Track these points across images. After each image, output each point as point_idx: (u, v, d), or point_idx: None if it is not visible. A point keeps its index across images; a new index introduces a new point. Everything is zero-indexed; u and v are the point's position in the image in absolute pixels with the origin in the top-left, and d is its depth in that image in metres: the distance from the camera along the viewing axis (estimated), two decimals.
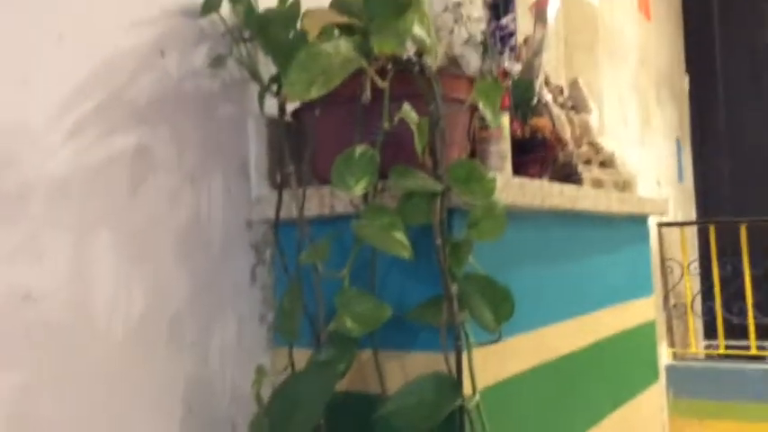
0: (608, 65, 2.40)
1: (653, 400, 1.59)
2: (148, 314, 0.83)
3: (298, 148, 0.97)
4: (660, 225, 2.77)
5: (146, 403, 0.82)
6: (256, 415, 0.84)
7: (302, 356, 0.92)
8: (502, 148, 1.07)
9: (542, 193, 1.02)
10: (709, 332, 3.07)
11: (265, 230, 1.01)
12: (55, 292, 0.74)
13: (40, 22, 0.75)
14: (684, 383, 2.59)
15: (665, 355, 2.72)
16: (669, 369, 2.65)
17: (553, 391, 1.12)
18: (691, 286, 2.83)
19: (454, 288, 0.81)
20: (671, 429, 2.61)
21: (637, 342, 1.53)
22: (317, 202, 0.93)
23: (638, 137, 2.65)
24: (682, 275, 2.83)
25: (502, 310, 0.82)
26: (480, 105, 0.83)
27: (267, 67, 1.00)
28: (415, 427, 0.78)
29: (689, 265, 2.82)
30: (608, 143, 2.32)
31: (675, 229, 2.91)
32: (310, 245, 0.87)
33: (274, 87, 0.95)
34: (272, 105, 0.98)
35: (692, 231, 3.15)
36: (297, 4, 0.92)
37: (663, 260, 2.79)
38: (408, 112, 0.80)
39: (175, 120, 0.90)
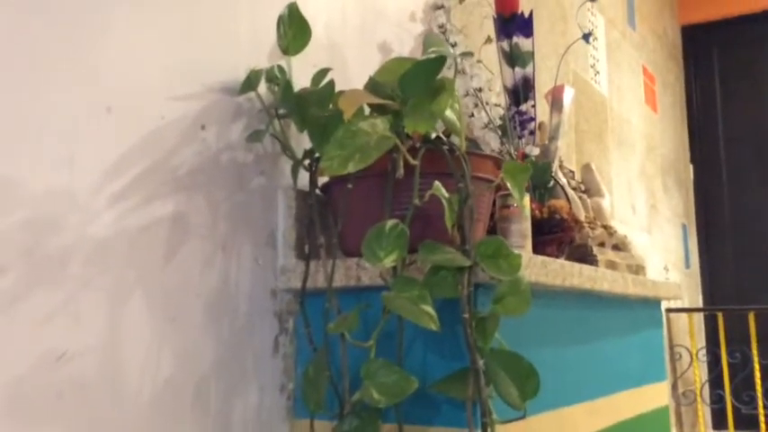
0: (617, 153, 2.47)
1: None
2: (176, 378, 0.84)
3: (325, 221, 1.00)
4: (668, 311, 2.77)
5: None
6: None
7: (321, 429, 0.92)
8: (523, 227, 1.09)
9: (563, 272, 1.04)
10: (718, 421, 3.02)
11: (289, 300, 1.03)
12: (88, 353, 0.75)
13: (92, 94, 0.79)
14: None
15: None
16: None
17: None
18: (699, 374, 2.80)
19: (481, 363, 0.82)
20: None
21: (651, 426, 1.52)
22: (344, 273, 0.95)
23: (646, 223, 2.69)
24: (690, 363, 2.80)
25: (528, 387, 0.83)
26: (509, 185, 0.87)
27: (299, 143, 1.04)
28: None
29: (697, 352, 2.80)
30: (618, 228, 2.36)
31: (683, 316, 2.91)
32: (339, 315, 0.88)
33: (307, 162, 0.99)
34: (302, 181, 1.02)
35: (698, 318, 3.14)
36: (331, 85, 0.97)
37: (671, 346, 2.77)
38: (439, 188, 0.83)
39: (211, 189, 0.93)
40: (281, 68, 1.03)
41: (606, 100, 2.40)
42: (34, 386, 0.71)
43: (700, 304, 3.29)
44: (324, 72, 1.01)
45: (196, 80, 0.93)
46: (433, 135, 0.91)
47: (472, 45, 1.53)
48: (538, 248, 1.22)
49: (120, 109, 0.82)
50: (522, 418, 0.84)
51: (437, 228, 0.88)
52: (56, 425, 0.72)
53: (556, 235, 1.25)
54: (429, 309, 0.80)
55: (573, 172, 1.85)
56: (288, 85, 0.97)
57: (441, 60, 0.82)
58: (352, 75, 1.23)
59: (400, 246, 0.83)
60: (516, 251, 0.91)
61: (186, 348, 0.86)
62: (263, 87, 1.01)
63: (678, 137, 3.30)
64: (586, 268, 1.13)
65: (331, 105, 0.94)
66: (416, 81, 0.84)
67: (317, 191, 1.00)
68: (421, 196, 0.86)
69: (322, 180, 1.01)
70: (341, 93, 0.98)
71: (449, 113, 0.88)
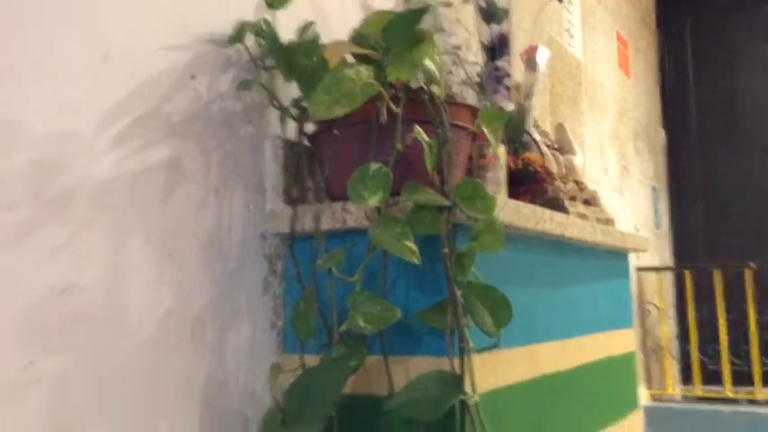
0: (590, 115, 2.54)
1: (635, 427, 1.65)
2: (174, 312, 0.90)
3: (312, 167, 1.05)
4: (639, 269, 2.87)
5: (169, 395, 0.88)
6: (270, 408, 0.90)
7: (311, 362, 0.98)
8: (498, 175, 1.15)
9: (536, 216, 1.10)
10: (686, 376, 3.15)
11: (277, 244, 1.08)
12: (92, 286, 0.81)
13: (89, 42, 0.84)
14: (662, 424, 2.65)
15: (643, 396, 2.79)
16: (647, 410, 2.71)
17: (542, 405, 1.19)
18: (667, 330, 2.92)
19: (459, 294, 0.89)
20: None
21: (618, 370, 1.61)
22: (330, 216, 1.00)
23: (617, 184, 2.78)
24: (659, 319, 2.92)
25: (501, 316, 0.90)
26: (485, 131, 0.92)
27: (285, 94, 1.09)
28: (419, 419, 0.84)
29: (665, 309, 2.92)
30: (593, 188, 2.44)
31: (653, 274, 3.01)
32: (327, 253, 0.94)
33: (294, 111, 1.04)
34: (289, 129, 1.07)
35: (669, 276, 3.26)
36: (315, 36, 1.02)
37: (641, 303, 2.88)
38: (421, 133, 0.89)
39: (203, 137, 0.98)
40: (266, 22, 1.07)
41: (581, 64, 2.46)
42: (43, 316, 0.76)
43: (670, 264, 3.40)
44: (309, 25, 1.06)
45: (186, 32, 0.97)
46: (416, 85, 0.97)
47: (452, 3, 1.58)
48: (512, 198, 1.29)
49: (115, 57, 0.87)
50: (496, 346, 0.91)
51: (418, 171, 0.94)
52: (63, 352, 0.77)
53: (529, 186, 1.32)
54: (411, 244, 0.86)
55: (546, 132, 1.92)
56: (274, 36, 1.02)
57: (420, 12, 0.87)
58: (335, 30, 1.27)
59: (384, 187, 0.89)
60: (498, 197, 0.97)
61: (183, 285, 0.92)
62: (250, 40, 1.05)
63: (651, 101, 3.38)
64: (557, 215, 1.20)
65: (317, 56, 0.99)
66: (398, 31, 0.89)
67: (305, 139, 1.05)
68: (403, 142, 0.92)
69: (309, 129, 1.06)
70: (325, 44, 1.03)
71: (429, 63, 0.94)
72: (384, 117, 0.90)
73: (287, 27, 1.08)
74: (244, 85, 1.02)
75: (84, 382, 0.78)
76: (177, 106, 0.95)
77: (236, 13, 1.06)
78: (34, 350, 0.74)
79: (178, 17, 0.96)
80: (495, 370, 1.03)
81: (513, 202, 1.04)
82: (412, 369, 0.95)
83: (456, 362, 0.89)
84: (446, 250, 0.88)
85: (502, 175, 1.17)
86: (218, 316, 0.97)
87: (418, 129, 0.89)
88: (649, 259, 3.09)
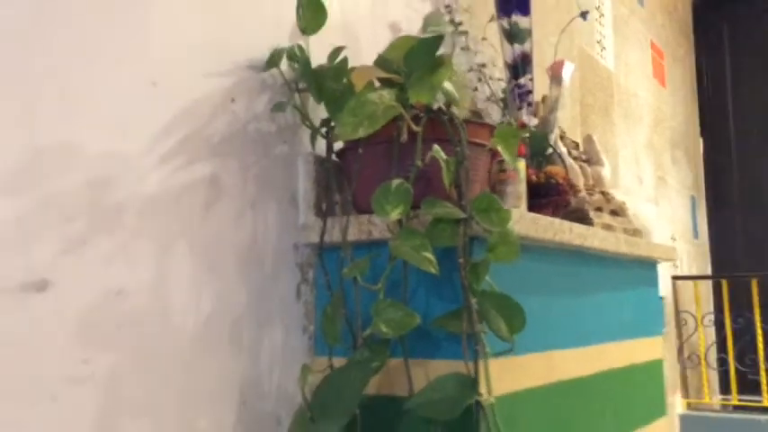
0: (623, 125, 2.56)
1: None
2: (214, 316, 0.98)
3: (341, 182, 1.13)
4: (675, 278, 2.88)
5: (209, 392, 0.96)
6: (301, 406, 0.98)
7: (339, 364, 1.06)
8: (518, 189, 1.21)
9: (553, 228, 1.16)
10: (725, 385, 3.13)
11: (309, 253, 1.16)
12: (141, 291, 0.90)
13: (140, 71, 0.93)
14: None
15: (679, 405, 2.79)
16: (683, 419, 2.71)
17: (560, 410, 1.24)
18: (704, 339, 2.91)
19: (474, 302, 0.95)
20: None
21: (644, 377, 1.64)
22: (357, 228, 1.08)
23: (653, 194, 2.79)
24: (696, 328, 2.91)
25: (515, 323, 0.96)
26: (500, 148, 0.99)
27: (316, 114, 1.17)
28: (437, 418, 0.91)
29: (703, 317, 2.91)
30: (624, 198, 2.46)
31: (691, 284, 3.01)
32: (352, 262, 1.02)
33: (323, 130, 1.12)
34: (319, 147, 1.15)
35: (706, 286, 3.24)
36: (345, 61, 1.09)
37: (677, 312, 2.88)
38: (439, 151, 0.96)
39: (241, 155, 1.06)
40: (300, 47, 1.15)
41: (612, 74, 2.49)
42: (98, 317, 0.85)
43: (709, 273, 3.39)
44: (338, 50, 1.14)
45: (227, 58, 1.06)
46: (436, 106, 1.04)
47: (477, 23, 1.65)
48: (535, 211, 1.34)
49: (163, 83, 0.96)
50: (511, 350, 0.97)
51: (437, 187, 1.01)
52: (114, 351, 0.86)
53: (552, 198, 1.37)
54: (429, 255, 0.93)
55: (576, 143, 1.96)
56: (306, 62, 1.10)
57: (439, 39, 0.94)
58: (364, 52, 1.35)
59: (405, 201, 0.96)
60: (514, 209, 1.04)
61: (222, 292, 1.00)
62: (284, 64, 1.14)
63: (688, 110, 3.38)
64: (577, 226, 1.25)
65: (345, 80, 1.06)
66: (419, 57, 0.96)
67: (333, 156, 1.13)
68: (423, 159, 0.99)
69: (337, 146, 1.14)
70: (353, 68, 1.11)
71: (448, 86, 1.00)
72: (404, 137, 0.97)
73: (320, 51, 1.16)
74: (278, 107, 1.10)
75: (131, 379, 0.87)
76: (218, 127, 1.03)
77: (272, 39, 1.14)
78: (89, 348, 0.83)
79: (219, 45, 1.05)
80: (511, 374, 1.09)
81: (530, 215, 1.10)
82: (431, 371, 1.01)
83: (472, 365, 0.95)
84: (461, 260, 0.94)
85: (522, 188, 1.23)
86: (253, 320, 1.05)
87: (436, 147, 0.96)
88: (686, 269, 3.08)
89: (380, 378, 1.04)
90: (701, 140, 3.50)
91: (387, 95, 0.94)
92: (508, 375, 1.08)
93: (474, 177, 1.07)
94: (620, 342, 1.53)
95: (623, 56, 2.61)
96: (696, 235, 3.28)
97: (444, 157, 0.96)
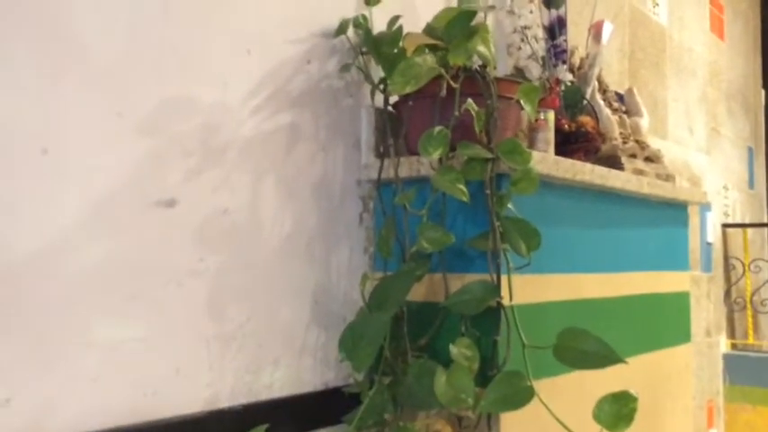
0: (675, 79, 2.68)
1: (682, 357, 1.88)
2: (294, 234, 1.26)
3: (396, 129, 1.38)
4: (725, 225, 3.00)
5: (290, 291, 1.25)
6: (362, 307, 1.25)
7: None
8: (547, 136, 1.43)
9: (574, 169, 1.38)
10: None
11: (369, 188, 1.42)
12: (240, 210, 1.18)
13: (238, 41, 1.19)
14: (739, 371, 2.81)
15: (723, 345, 2.95)
16: (726, 358, 2.88)
17: (582, 322, 1.47)
18: (750, 284, 3.04)
19: (498, 225, 1.19)
20: (726, 413, 2.83)
21: (669, 305, 1.84)
22: (408, 167, 1.33)
23: (705, 145, 2.91)
24: (743, 273, 3.04)
25: (532, 243, 1.20)
26: (522, 102, 1.21)
27: (377, 73, 1.41)
28: (464, 313, 1.16)
29: (750, 263, 3.03)
30: (670, 148, 2.61)
31: (742, 231, 3.12)
32: (402, 192, 1.27)
33: (381, 87, 1.36)
34: (378, 101, 1.39)
35: (761, 234, 3.34)
36: (399, 29, 1.33)
37: (726, 258, 3.02)
38: (471, 104, 1.19)
39: (315, 107, 1.32)
40: (364, 17, 1.39)
41: (665, 30, 2.61)
42: (210, 228, 1.14)
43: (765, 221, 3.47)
44: (395, 19, 1.37)
45: (304, 29, 1.32)
46: (475, 66, 1.26)
47: None
48: (566, 156, 1.55)
49: (255, 51, 1.22)
50: (528, 265, 1.20)
51: (472, 134, 1.24)
52: (221, 253, 1.15)
53: (581, 144, 1.58)
54: (462, 186, 1.17)
55: (621, 96, 2.13)
56: (368, 30, 1.34)
57: (472, 13, 1.16)
58: (422, 19, 1.57)
59: (444, 144, 1.20)
60: (538, 152, 1.26)
61: (300, 215, 1.28)
62: (351, 32, 1.38)
63: (749, 64, 3.42)
64: (599, 168, 1.46)
65: (399, 45, 1.30)
66: (456, 27, 1.19)
67: (390, 108, 1.37)
68: (459, 110, 1.22)
69: (393, 100, 1.38)
70: (407, 35, 1.34)
71: (482, 49, 1.23)
72: (443, 92, 1.20)
73: (382, 20, 1.39)
74: (345, 68, 1.35)
75: (234, 275, 1.16)
76: (296, 85, 1.30)
77: (341, 11, 1.39)
78: (204, 250, 1.12)
79: (298, 18, 1.30)
80: (536, 288, 1.33)
81: (553, 157, 1.32)
82: (465, 282, 1.27)
83: (495, 276, 1.20)
84: (488, 192, 1.18)
85: (550, 135, 1.44)
86: (324, 239, 1.32)
87: (470, 101, 1.19)
88: (741, 217, 3.19)
89: (424, 287, 1.30)
90: (762, 93, 3.54)
91: (429, 58, 1.17)
92: (532, 288, 1.32)
93: (505, 125, 1.30)
94: (646, 272, 1.74)
95: (678, 11, 2.71)
96: (752, 185, 3.37)
97: (476, 108, 1.19)
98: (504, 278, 1.21)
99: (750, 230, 3.13)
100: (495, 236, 1.19)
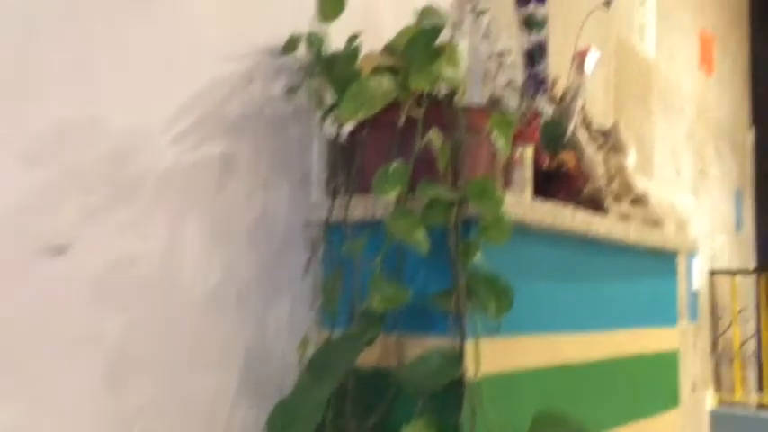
0: (662, 115, 2.54)
1: (669, 424, 1.69)
2: (222, 285, 1.06)
3: (349, 163, 1.19)
4: (712, 273, 2.84)
5: (214, 356, 1.04)
6: (299, 374, 1.04)
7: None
8: (524, 175, 1.25)
9: (553, 213, 1.19)
10: (759, 381, 3.08)
11: (319, 231, 1.22)
12: (155, 258, 0.98)
13: (160, 54, 1.00)
14: (728, 430, 2.63)
15: (710, 401, 2.76)
16: (714, 415, 2.69)
17: (560, 393, 1.27)
18: (739, 335, 2.87)
19: (463, 280, 1.00)
20: None
21: (656, 366, 1.65)
22: (362, 207, 1.14)
23: (692, 186, 2.75)
24: (730, 323, 2.87)
25: (503, 302, 1.00)
26: (494, 135, 1.03)
27: (331, 98, 1.22)
28: (421, 391, 0.96)
29: (739, 312, 2.86)
30: (657, 189, 2.44)
31: (729, 278, 2.96)
32: (352, 239, 1.07)
33: (334, 113, 1.17)
34: (331, 130, 1.20)
35: (749, 281, 3.19)
36: (356, 49, 1.15)
37: (713, 307, 2.85)
38: (434, 136, 1.00)
39: (256, 135, 1.13)
40: (318, 34, 1.21)
41: (652, 63, 2.47)
42: (113, 279, 0.93)
43: (752, 268, 3.32)
44: (354, 37, 1.19)
45: (245, 43, 1.13)
46: (441, 92, 1.08)
47: (502, 12, 1.67)
48: (546, 197, 1.37)
49: (182, 66, 1.03)
50: (498, 328, 1.01)
51: (435, 171, 1.05)
52: (129, 312, 0.94)
53: (562, 185, 1.40)
54: (421, 233, 0.98)
55: (605, 132, 1.96)
56: (319, 48, 1.16)
57: (437, 30, 0.98)
58: (386, 37, 1.39)
59: (402, 182, 1.01)
60: (512, 194, 1.08)
61: (231, 263, 1.08)
62: (303, 50, 1.20)
63: (737, 101, 3.30)
64: (581, 213, 1.28)
65: (352, 68, 1.12)
66: (418, 46, 1.01)
67: (344, 138, 1.19)
68: (422, 143, 1.04)
69: (348, 129, 1.20)
70: (365, 55, 1.16)
71: (449, 72, 1.05)
72: (401, 121, 1.02)
73: (341, 37, 1.21)
74: (291, 91, 1.17)
75: (141, 339, 0.96)
76: (233, 109, 1.10)
77: (292, 25, 1.20)
78: (103, 309, 0.92)
79: (239, 30, 1.12)
80: (508, 353, 1.13)
81: (529, 200, 1.14)
82: (424, 347, 1.07)
83: (458, 342, 1.00)
84: (452, 240, 0.99)
85: (527, 174, 1.26)
86: (260, 292, 1.12)
87: (433, 132, 1.01)
88: (728, 262, 3.03)
89: (376, 350, 1.10)
90: (751, 131, 3.42)
91: (386, 81, 0.99)
92: (503, 354, 1.12)
93: (475, 162, 1.11)
94: (631, 330, 1.55)
95: (666, 44, 2.58)
96: (739, 228, 3.22)
97: (441, 141, 1.01)
98: (469, 343, 1.02)
99: (737, 277, 2.96)
100: (460, 293, 0.99)
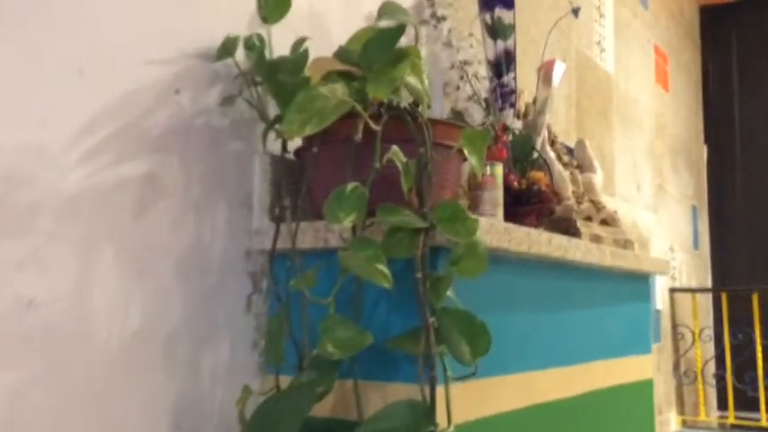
0: (621, 130, 2.46)
1: None
2: (145, 330, 0.89)
3: (296, 184, 1.03)
4: (672, 290, 2.77)
5: (135, 415, 0.87)
6: None
7: (286, 384, 0.96)
8: (495, 196, 1.12)
9: (529, 239, 1.06)
10: (721, 401, 3.02)
11: (263, 261, 1.06)
12: (57, 301, 0.80)
13: (63, 56, 0.83)
14: None
15: (674, 423, 2.68)
16: None
17: None
18: (702, 354, 2.81)
19: (432, 320, 0.85)
20: None
21: (632, 398, 1.54)
22: (312, 235, 0.98)
23: (652, 202, 2.68)
24: (693, 342, 2.80)
25: (479, 345, 0.86)
26: (466, 151, 0.89)
27: (274, 109, 1.07)
28: None
29: (701, 332, 2.80)
30: (618, 206, 2.36)
31: (689, 296, 2.90)
32: (300, 273, 0.92)
33: (278, 127, 1.02)
34: (276, 146, 1.05)
35: (706, 298, 3.13)
36: (305, 53, 1.00)
37: (674, 326, 2.78)
38: (397, 152, 0.86)
39: (184, 152, 0.97)
40: (260, 36, 1.06)
41: (612, 78, 2.39)
42: (5, 329, 0.75)
43: (709, 285, 3.27)
44: (300, 42, 1.04)
45: (171, 45, 0.97)
46: (403, 103, 0.94)
47: (465, 17, 1.55)
48: (517, 219, 1.24)
49: (92, 71, 0.86)
50: (474, 374, 0.87)
51: (398, 192, 0.91)
52: (23, 368, 0.76)
53: (534, 206, 1.27)
54: (383, 267, 0.83)
55: (569, 148, 1.85)
56: (261, 52, 1.00)
57: (399, 30, 0.84)
58: (335, 43, 1.25)
59: (359, 207, 0.86)
60: (484, 218, 0.94)
61: (155, 302, 0.91)
62: (241, 55, 1.04)
63: (691, 117, 3.27)
64: (557, 237, 1.15)
65: (299, 75, 0.97)
66: (377, 49, 0.86)
67: (290, 155, 1.03)
68: (382, 161, 0.89)
69: (296, 145, 1.04)
70: (315, 60, 1.01)
71: (412, 80, 0.91)
72: (359, 136, 0.87)
73: (286, 42, 1.06)
74: (227, 101, 1.01)
75: (42, 398, 0.78)
76: (158, 121, 0.94)
77: (227, 27, 1.05)
78: None
79: (163, 30, 0.96)
80: (480, 398, 0.99)
81: (503, 225, 1.00)
82: (387, 396, 0.92)
83: (428, 390, 0.85)
84: (419, 275, 0.84)
85: (498, 194, 1.13)
86: (193, 334, 0.95)
87: (395, 149, 0.86)
88: (687, 280, 2.97)
89: (331, 399, 0.94)
90: (705, 148, 3.39)
91: (340, 89, 0.84)
92: (476, 399, 0.98)
93: (443, 182, 0.97)
94: (606, 361, 1.43)
95: (624, 59, 2.51)
96: (696, 246, 3.17)
97: (403, 159, 0.86)
98: (440, 390, 0.87)
99: (698, 295, 2.90)
100: (429, 335, 0.85)
